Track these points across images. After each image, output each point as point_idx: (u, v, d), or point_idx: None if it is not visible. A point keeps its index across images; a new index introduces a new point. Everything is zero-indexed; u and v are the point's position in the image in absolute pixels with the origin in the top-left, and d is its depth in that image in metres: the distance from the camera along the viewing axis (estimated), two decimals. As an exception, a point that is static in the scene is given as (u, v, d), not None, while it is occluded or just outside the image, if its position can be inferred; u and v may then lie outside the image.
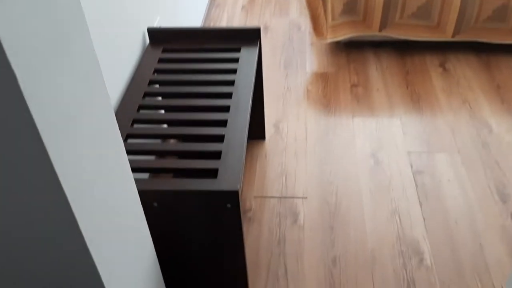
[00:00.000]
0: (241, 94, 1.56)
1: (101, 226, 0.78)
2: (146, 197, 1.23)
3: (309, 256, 1.67)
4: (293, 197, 1.88)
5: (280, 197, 1.88)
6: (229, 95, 1.59)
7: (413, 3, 2.44)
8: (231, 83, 1.64)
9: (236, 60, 1.73)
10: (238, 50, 1.79)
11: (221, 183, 1.22)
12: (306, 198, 1.87)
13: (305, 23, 2.96)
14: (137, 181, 1.25)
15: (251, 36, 1.83)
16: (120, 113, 1.51)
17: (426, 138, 2.11)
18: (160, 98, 1.75)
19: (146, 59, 1.76)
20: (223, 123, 1.47)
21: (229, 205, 1.22)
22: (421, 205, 1.82)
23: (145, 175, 1.81)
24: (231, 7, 3.19)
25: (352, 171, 1.97)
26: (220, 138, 1.41)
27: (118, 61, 1.61)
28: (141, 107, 1.56)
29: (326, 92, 2.39)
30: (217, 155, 1.36)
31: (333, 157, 2.04)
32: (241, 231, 1.29)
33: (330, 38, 2.54)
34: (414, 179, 1.93)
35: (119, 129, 1.43)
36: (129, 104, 1.55)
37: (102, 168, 0.78)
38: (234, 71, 1.69)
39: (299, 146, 2.11)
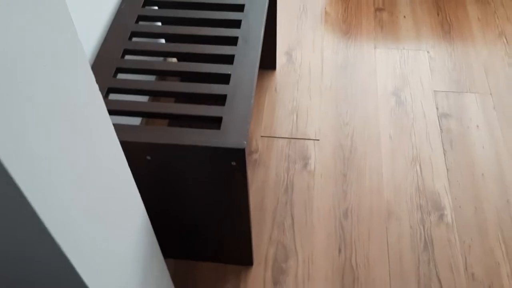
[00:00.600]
0: (251, 24, 1.32)
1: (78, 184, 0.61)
2: (138, 150, 1.05)
3: (318, 206, 1.53)
4: (304, 139, 1.70)
5: (289, 138, 1.71)
6: (237, 24, 1.34)
7: None
8: (240, 7, 1.39)
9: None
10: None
11: (225, 137, 1.04)
12: (318, 140, 1.70)
13: None
14: (127, 128, 1.06)
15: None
16: (109, 42, 1.28)
17: (455, 76, 1.88)
18: (158, 23, 1.50)
19: (141, -27, 1.49)
20: (229, 59, 1.25)
21: (233, 163, 1.05)
22: (445, 153, 1.65)
23: (137, 120, 1.62)
24: None
25: (371, 112, 1.77)
26: (225, 79, 1.20)
27: (107, -24, 1.35)
28: (133, 34, 1.32)
29: (347, 16, 2.12)
30: (221, 99, 1.15)
31: (351, 94, 1.83)
32: (247, 192, 1.13)
33: (355, -49, 2.20)
34: (439, 123, 1.73)
35: (107, 62, 1.21)
36: (118, 29, 1.31)
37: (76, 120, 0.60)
38: (241, 8, 1.43)
39: (313, 79, 1.89)
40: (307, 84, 1.87)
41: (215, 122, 1.10)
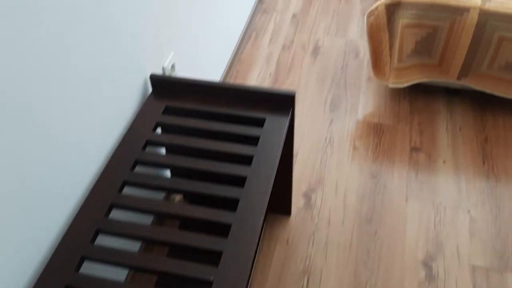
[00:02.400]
0: (258, 180, 1.13)
1: None
2: None
3: None
4: (312, 314, 1.45)
5: (295, 311, 1.46)
6: (241, 181, 1.16)
7: (510, 52, 1.86)
8: (248, 160, 1.21)
9: (257, 134, 1.29)
10: (262, 122, 1.34)
11: None
12: (328, 318, 1.44)
13: (365, 49, 2.42)
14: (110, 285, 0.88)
15: (282, 102, 1.37)
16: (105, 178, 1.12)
17: (499, 246, 1.60)
18: (163, 151, 1.35)
19: (143, 116, 1.35)
20: (231, 205, 1.08)
21: None
22: None
23: (123, 273, 1.44)
24: (280, 14, 2.69)
25: (395, 284, 1.51)
26: (224, 230, 1.04)
27: (102, 118, 1.20)
28: (137, 161, 1.16)
29: (378, 155, 1.90)
30: (216, 256, 1.00)
31: (374, 257, 1.58)
32: None
33: (393, 83, 2.01)
34: (477, 311, 1.44)
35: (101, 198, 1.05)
36: (119, 164, 1.15)
37: None
38: (255, 141, 1.27)
39: (332, 232, 1.66)
40: (325, 237, 1.64)
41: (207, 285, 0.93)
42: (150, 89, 1.47)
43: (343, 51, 2.41)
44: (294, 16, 2.67)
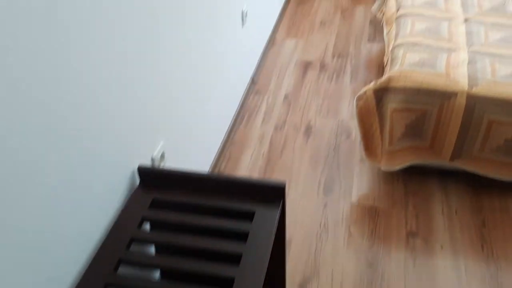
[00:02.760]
0: (247, 282, 1.07)
1: None
2: None
3: None
4: None
5: None
6: (229, 283, 1.10)
7: (500, 134, 1.86)
8: (236, 259, 1.15)
9: (246, 229, 1.25)
10: (251, 215, 1.30)
11: None
12: None
13: (357, 130, 2.43)
14: None
15: (272, 194, 1.34)
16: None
17: None
18: (149, 248, 1.28)
19: (129, 211, 1.31)
20: None
21: None
22: None
23: None
24: (272, 94, 2.74)
25: None
26: None
27: (84, 213, 1.16)
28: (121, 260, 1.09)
29: (373, 241, 1.85)
30: None
31: None
32: None
33: (386, 166, 2.00)
34: None
35: None
36: (100, 268, 1.09)
37: None
38: (244, 237, 1.21)
39: (327, 327, 1.57)
40: (320, 333, 1.55)
41: None
42: (137, 181, 1.45)
43: (335, 132, 2.43)
44: (286, 96, 2.71)
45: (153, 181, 1.41)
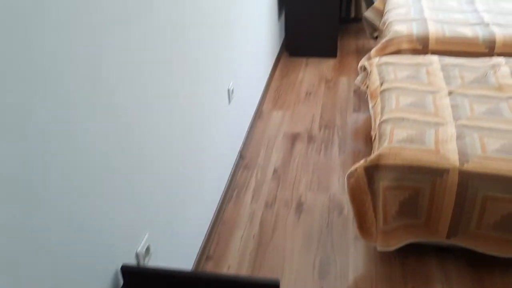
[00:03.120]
0: None
1: None
2: None
3: None
4: None
5: None
6: None
7: (496, 211, 1.82)
8: None
9: None
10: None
11: None
12: None
13: (349, 205, 2.38)
14: None
15: (266, 294, 1.25)
16: None
17: None
18: None
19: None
20: None
21: None
22: None
23: None
24: (261, 169, 2.69)
25: None
26: None
27: None
28: None
29: (374, 329, 1.74)
30: None
31: None
32: None
33: (381, 246, 1.92)
34: None
35: None
36: None
37: None
38: None
39: None
40: None
41: None
42: (121, 282, 1.35)
43: (327, 207, 2.37)
44: (275, 171, 2.67)
45: (138, 281, 1.32)
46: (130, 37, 1.32)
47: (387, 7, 3.55)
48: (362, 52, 4.11)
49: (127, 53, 1.31)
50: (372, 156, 1.93)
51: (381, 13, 3.71)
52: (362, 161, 1.94)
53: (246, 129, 2.94)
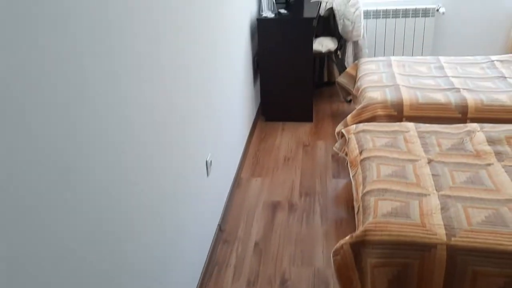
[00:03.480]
0: None
1: None
2: None
3: None
4: None
5: None
6: None
7: (487, 285, 1.76)
8: None
9: None
10: None
11: None
12: None
13: (335, 279, 2.28)
14: None
15: None
16: None
17: None
18: None
19: None
20: None
21: None
22: None
23: None
24: (241, 242, 2.59)
25: None
26: None
27: None
28: None
29: None
30: None
31: None
32: None
33: (372, 328, 1.83)
34: None
35: None
36: None
37: None
38: None
39: None
40: None
41: None
42: None
43: (312, 284, 2.27)
44: (256, 244, 2.58)
45: None
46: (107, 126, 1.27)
47: (359, 74, 3.62)
48: (337, 115, 4.16)
49: (102, 142, 1.25)
50: (358, 231, 1.87)
51: (353, 78, 3.78)
52: (348, 237, 1.88)
53: (225, 200, 2.87)
